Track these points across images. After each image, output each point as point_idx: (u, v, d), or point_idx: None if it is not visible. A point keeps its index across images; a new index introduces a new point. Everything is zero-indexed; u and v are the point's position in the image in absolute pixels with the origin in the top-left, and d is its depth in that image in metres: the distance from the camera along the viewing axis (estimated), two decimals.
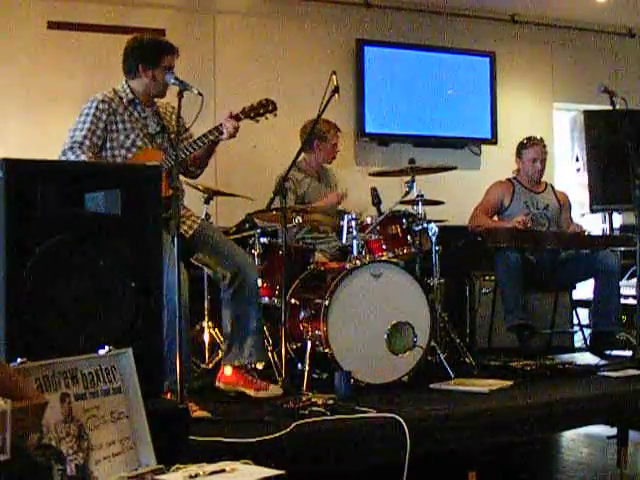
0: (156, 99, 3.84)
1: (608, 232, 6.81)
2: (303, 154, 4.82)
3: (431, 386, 3.92)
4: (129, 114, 3.71)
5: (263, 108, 3.82)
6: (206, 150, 3.83)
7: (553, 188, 5.54)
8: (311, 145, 5.08)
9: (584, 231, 5.15)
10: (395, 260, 4.29)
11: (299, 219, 4.42)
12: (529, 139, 5.39)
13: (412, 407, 3.37)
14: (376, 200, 4.71)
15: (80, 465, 2.23)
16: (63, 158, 3.53)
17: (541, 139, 5.41)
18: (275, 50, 6.36)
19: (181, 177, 3.91)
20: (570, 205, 5.56)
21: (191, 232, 3.72)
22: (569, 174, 7.52)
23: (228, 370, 3.77)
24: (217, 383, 3.78)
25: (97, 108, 3.63)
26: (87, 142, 3.57)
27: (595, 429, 4.25)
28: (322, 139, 5.14)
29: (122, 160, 3.62)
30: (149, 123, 3.77)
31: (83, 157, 3.50)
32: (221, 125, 3.70)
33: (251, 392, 3.70)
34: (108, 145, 3.65)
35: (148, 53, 3.73)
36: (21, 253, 2.44)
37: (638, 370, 4.25)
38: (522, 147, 5.39)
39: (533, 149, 5.35)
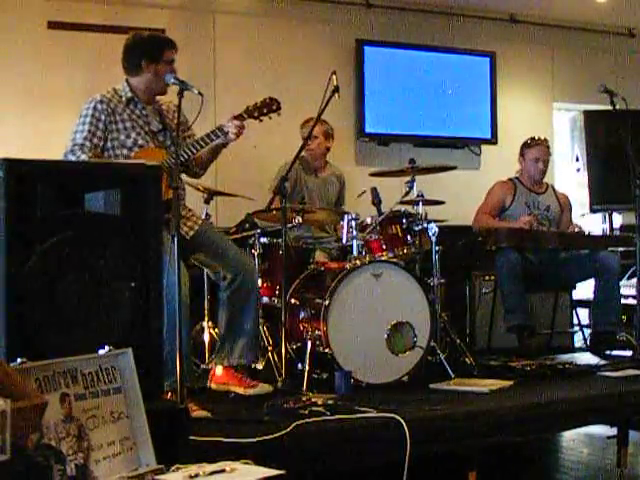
0: (159, 98, 3.82)
1: (608, 232, 6.80)
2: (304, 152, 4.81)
3: (431, 386, 3.91)
4: (129, 112, 3.69)
5: (267, 107, 3.80)
6: (212, 152, 3.83)
7: (554, 189, 5.52)
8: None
9: (582, 231, 5.14)
10: (395, 260, 4.28)
11: (299, 219, 4.42)
12: (533, 139, 5.35)
13: (412, 407, 3.36)
14: (376, 200, 4.70)
15: (80, 465, 2.23)
16: None
17: (545, 139, 5.39)
18: (275, 50, 6.36)
19: (183, 177, 3.90)
20: (570, 207, 5.55)
21: (192, 233, 3.71)
22: (569, 174, 7.51)
23: (219, 370, 3.81)
24: (209, 383, 3.82)
25: (95, 109, 3.61)
26: (88, 143, 3.55)
27: (595, 429, 4.25)
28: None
29: (124, 159, 3.58)
30: (150, 121, 3.74)
31: (84, 159, 3.48)
32: (223, 125, 3.69)
33: (240, 390, 3.74)
34: (110, 145, 3.62)
35: (151, 48, 3.72)
36: (21, 253, 2.44)
37: (638, 370, 4.25)
38: (525, 147, 5.36)
39: (536, 149, 5.32)
